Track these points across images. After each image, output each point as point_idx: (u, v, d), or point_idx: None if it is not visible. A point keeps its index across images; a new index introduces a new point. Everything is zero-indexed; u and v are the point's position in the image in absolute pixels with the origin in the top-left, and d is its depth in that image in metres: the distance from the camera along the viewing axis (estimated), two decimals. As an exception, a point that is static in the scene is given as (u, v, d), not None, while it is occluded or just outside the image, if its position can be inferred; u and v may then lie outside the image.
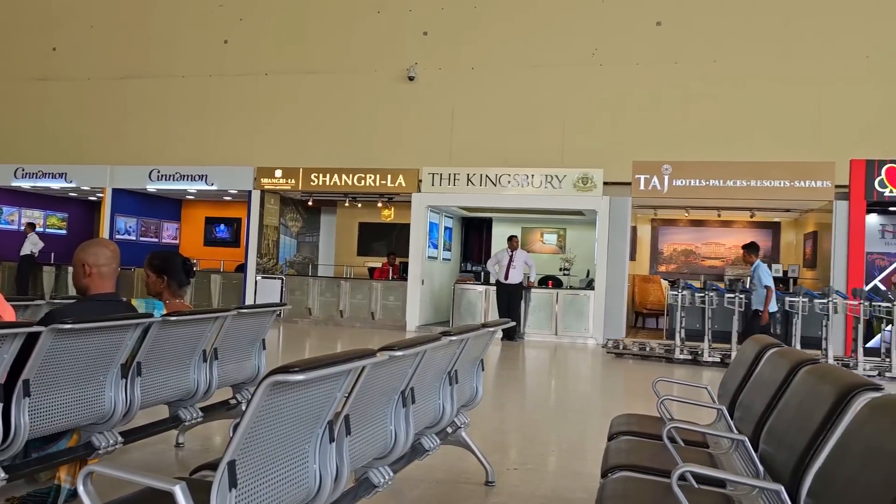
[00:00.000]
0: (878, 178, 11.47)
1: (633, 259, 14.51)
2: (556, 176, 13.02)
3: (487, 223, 16.19)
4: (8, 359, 2.73)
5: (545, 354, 11.30)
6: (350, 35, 14.98)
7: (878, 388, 2.09)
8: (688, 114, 13.22)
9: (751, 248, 9.91)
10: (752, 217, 14.73)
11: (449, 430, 3.89)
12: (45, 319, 3.00)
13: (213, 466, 2.00)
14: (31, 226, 16.04)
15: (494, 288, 12.48)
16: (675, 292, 10.62)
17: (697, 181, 12.27)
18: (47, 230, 17.37)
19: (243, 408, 4.43)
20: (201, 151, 15.57)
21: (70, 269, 13.44)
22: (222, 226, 18.23)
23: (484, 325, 4.02)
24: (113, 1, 16.68)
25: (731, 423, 3.28)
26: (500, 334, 10.53)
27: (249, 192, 14.88)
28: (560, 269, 14.47)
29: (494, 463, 4.28)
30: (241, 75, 15.60)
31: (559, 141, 13.72)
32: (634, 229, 14.48)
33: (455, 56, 14.45)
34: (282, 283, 14.35)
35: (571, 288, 13.36)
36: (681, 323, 10.48)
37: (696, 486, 2.53)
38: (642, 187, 12.40)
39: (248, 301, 14.07)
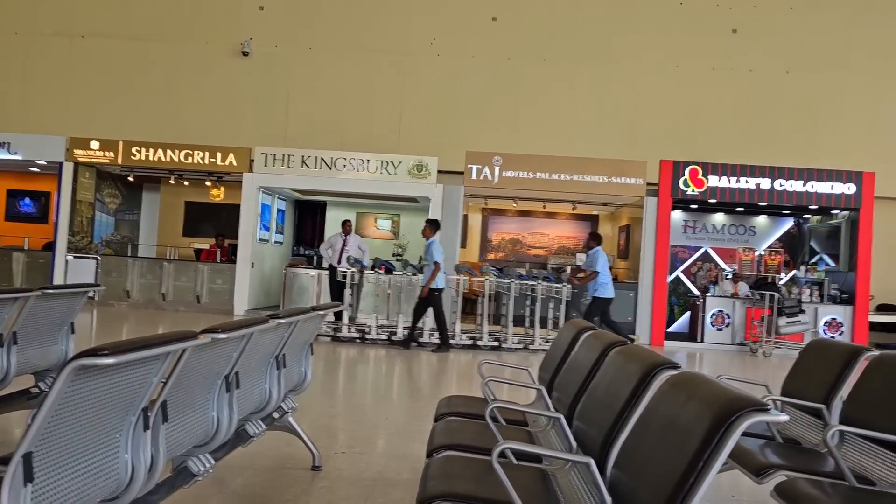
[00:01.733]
0: (683, 178, 12.60)
1: (464, 247, 14.97)
2: (392, 162, 13.13)
3: (322, 207, 16.06)
4: None
5: (377, 339, 11.39)
6: (181, 2, 14.22)
7: (675, 366, 2.26)
8: (518, 108, 13.81)
9: (593, 236, 11.27)
10: (573, 209, 15.65)
11: (276, 415, 3.87)
12: None
13: (5, 461, 1.87)
14: None
15: (327, 272, 12.37)
16: (505, 280, 11.01)
17: (525, 173, 12.86)
18: None
19: None
20: (3, 117, 14.13)
21: None
22: (28, 199, 16.67)
23: (314, 308, 4.01)
24: None
25: (550, 402, 3.41)
26: (331, 318, 10.58)
27: (61, 164, 13.71)
28: (393, 255, 14.60)
29: (322, 448, 4.28)
30: (53, 35, 14.29)
31: (395, 127, 13.85)
32: (466, 217, 14.94)
33: (292, 34, 14.13)
34: (96, 263, 13.44)
35: (404, 274, 13.53)
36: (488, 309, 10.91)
37: (515, 462, 2.61)
38: (474, 177, 12.80)
39: (57, 282, 12.97)
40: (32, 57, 14.31)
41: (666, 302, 12.72)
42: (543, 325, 10.98)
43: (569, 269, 13.09)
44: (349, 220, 12.64)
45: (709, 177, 12.61)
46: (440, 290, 10.20)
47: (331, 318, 10.54)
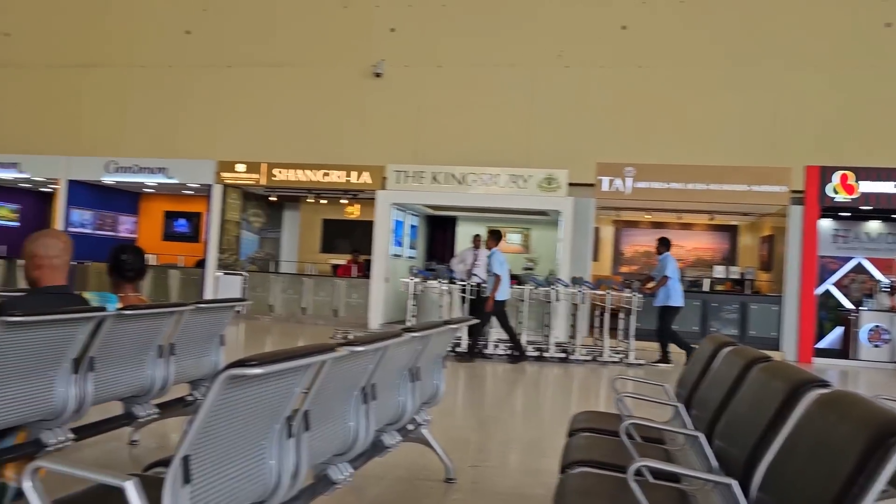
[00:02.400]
0: (831, 185, 11.84)
1: (596, 259, 14.72)
2: (522, 176, 13.15)
3: (452, 222, 16.25)
4: None
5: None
6: (316, 29, 14.92)
7: (826, 385, 2.12)
8: (651, 117, 13.46)
9: (662, 241, 10.92)
10: (711, 220, 15.05)
11: (410, 426, 3.87)
12: None
13: (166, 463, 1.96)
14: None
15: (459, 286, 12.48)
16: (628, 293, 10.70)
17: (659, 184, 12.52)
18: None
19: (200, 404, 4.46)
20: (161, 144, 15.33)
21: (21, 261, 13.15)
22: (182, 220, 17.98)
23: (446, 323, 4.03)
24: None
25: (688, 419, 3.29)
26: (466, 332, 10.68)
27: (210, 186, 14.72)
28: (523, 269, 14.60)
29: (455, 460, 4.27)
30: (203, 66, 15.39)
31: (525, 141, 13.85)
32: (597, 230, 14.70)
33: (422, 53, 14.49)
34: (243, 279, 14.24)
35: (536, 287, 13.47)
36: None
37: (652, 480, 2.54)
38: (606, 188, 12.60)
39: (208, 297, 13.86)
40: (185, 87, 15.46)
41: (814, 316, 11.97)
42: (613, 335, 10.72)
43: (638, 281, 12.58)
44: (479, 235, 12.74)
45: (861, 182, 11.78)
46: (503, 302, 10.26)
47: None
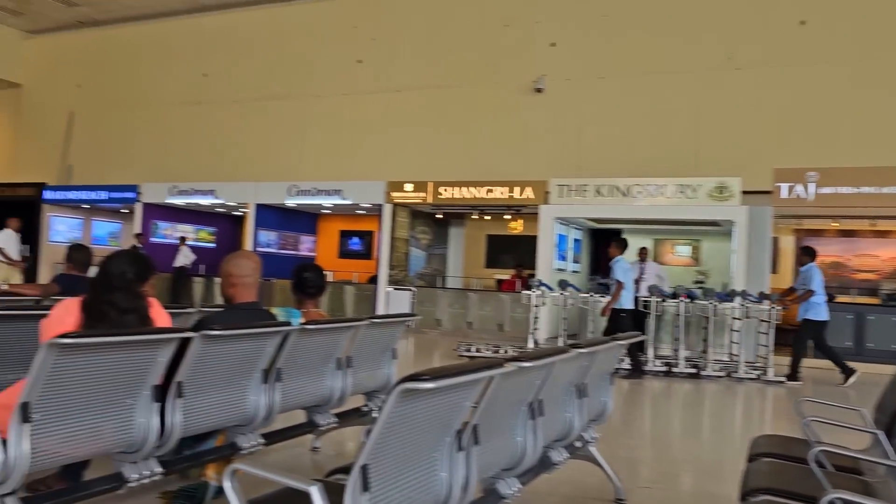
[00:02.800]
0: None
1: (775, 272, 13.78)
2: (690, 185, 12.62)
3: (617, 235, 15.88)
4: (164, 362, 2.90)
5: (679, 370, 10.95)
6: (479, 49, 15.26)
7: None
8: (832, 117, 12.48)
9: (805, 250, 10.10)
10: (910, 226, 13.65)
11: (577, 444, 3.83)
12: (196, 326, 3.17)
13: (346, 470, 2.05)
14: (183, 239, 17.28)
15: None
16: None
17: (848, 188, 11.53)
18: (198, 243, 18.49)
19: (375, 415, 4.44)
20: (336, 167, 16.18)
21: (218, 279, 14.40)
22: (356, 238, 18.86)
23: (614, 339, 3.95)
24: (257, 28, 17.74)
25: (890, 449, 3.00)
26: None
27: (381, 205, 15.29)
28: (694, 282, 13.95)
29: (624, 481, 4.18)
30: (373, 93, 16.17)
31: (693, 148, 13.32)
32: (776, 240, 13.78)
33: (583, 66, 14.40)
34: (412, 294, 14.66)
35: (707, 301, 12.86)
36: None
37: None
38: (784, 195, 11.79)
39: (380, 311, 14.41)
40: (357, 113, 16.32)
41: None
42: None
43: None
44: (646, 248, 12.39)
45: None
46: (627, 311, 9.88)
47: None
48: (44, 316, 3.35)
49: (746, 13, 13.23)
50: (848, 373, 9.40)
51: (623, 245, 10.61)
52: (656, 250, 14.97)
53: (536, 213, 13.95)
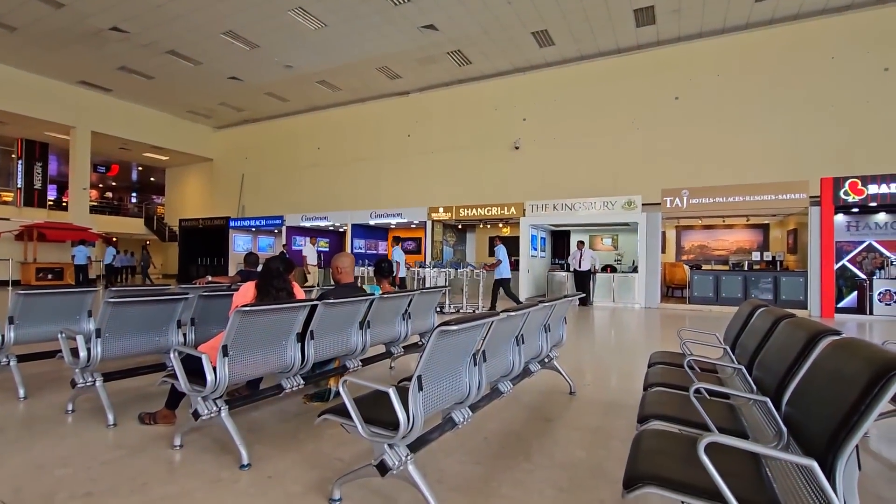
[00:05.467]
0: (843, 189, 10.07)
1: (664, 252, 13.60)
2: (610, 201, 12.51)
3: (566, 234, 15.79)
4: (302, 319, 2.97)
5: (606, 314, 10.90)
6: (478, 123, 15.15)
7: (838, 333, 1.85)
8: (696, 156, 12.26)
9: (494, 240, 10.08)
10: (747, 221, 13.32)
11: (546, 360, 3.78)
12: (319, 297, 3.19)
13: (409, 379, 2.07)
14: (314, 240, 17.48)
15: (572, 273, 12.22)
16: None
17: (707, 199, 11.35)
18: (319, 249, 18.59)
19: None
20: (398, 199, 16.17)
21: (330, 269, 14.60)
22: (410, 242, 19.01)
23: (565, 296, 3.85)
24: (348, 117, 17.65)
25: (734, 357, 2.98)
26: (577, 302, 10.42)
27: (425, 221, 15.17)
28: (614, 261, 13.85)
29: (576, 381, 4.11)
30: (418, 154, 16.14)
31: (611, 178, 13.17)
32: (664, 233, 13.57)
33: (543, 132, 14.23)
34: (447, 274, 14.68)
35: (622, 272, 12.81)
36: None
37: (707, 397, 2.38)
38: (669, 206, 11.66)
39: (427, 285, 14.47)
40: (408, 168, 16.07)
41: (833, 283, 10.21)
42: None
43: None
44: (583, 241, 12.29)
45: (868, 185, 9.91)
46: (504, 280, 9.77)
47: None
48: (232, 295, 3.55)
49: (641, 94, 13.03)
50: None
51: (504, 241, 10.54)
52: (591, 242, 14.86)
53: (518, 223, 13.88)
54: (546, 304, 3.27)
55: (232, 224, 18.98)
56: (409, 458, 2.04)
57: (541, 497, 2.28)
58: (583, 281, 11.75)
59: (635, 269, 12.23)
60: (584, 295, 9.31)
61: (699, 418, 1.97)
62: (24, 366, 3.92)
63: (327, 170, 18.10)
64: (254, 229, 19.06)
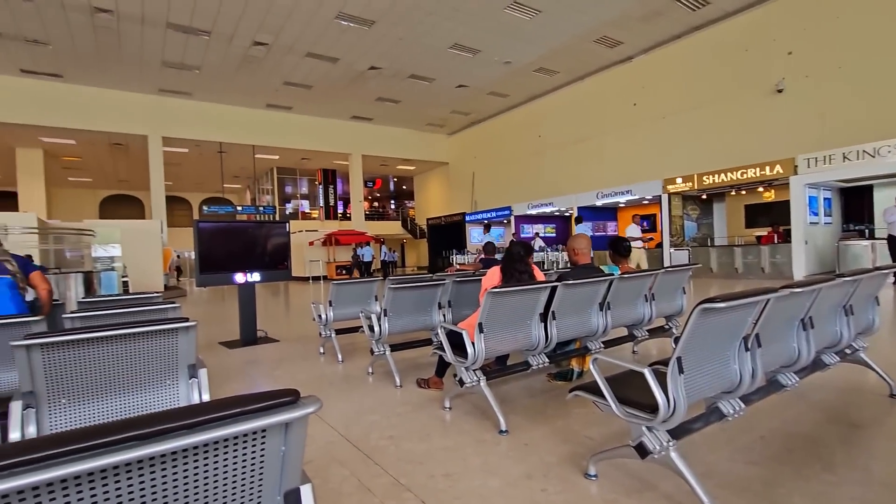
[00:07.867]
0: None
1: None
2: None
3: (866, 190, 11.85)
4: (544, 300, 3.05)
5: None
6: (723, 73, 12.79)
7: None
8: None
9: None
10: None
11: (847, 351, 3.10)
12: (558, 279, 3.19)
13: (663, 363, 1.97)
14: (537, 234, 17.74)
15: (885, 241, 9.06)
16: None
17: None
18: (546, 234, 18.68)
19: (674, 332, 4.24)
20: (625, 176, 15.20)
21: (564, 251, 14.53)
22: (645, 220, 17.36)
23: (877, 268, 3.06)
24: (566, 100, 17.34)
25: None
26: (892, 277, 7.68)
27: (660, 196, 13.88)
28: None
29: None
30: (650, 120, 14.74)
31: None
32: None
33: (821, 63, 11.06)
34: (688, 252, 12.99)
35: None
36: None
37: None
38: None
39: (667, 265, 12.98)
40: (640, 137, 15.01)
41: None
42: None
43: None
44: (900, 196, 9.01)
45: None
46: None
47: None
48: (479, 280, 3.98)
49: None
50: None
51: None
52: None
53: (787, 184, 11.17)
54: (847, 278, 2.68)
55: (467, 218, 20.66)
56: (671, 444, 1.94)
57: (857, 518, 1.86)
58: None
59: None
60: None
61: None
62: (339, 337, 5.02)
63: (549, 156, 18.14)
64: (486, 221, 20.37)
